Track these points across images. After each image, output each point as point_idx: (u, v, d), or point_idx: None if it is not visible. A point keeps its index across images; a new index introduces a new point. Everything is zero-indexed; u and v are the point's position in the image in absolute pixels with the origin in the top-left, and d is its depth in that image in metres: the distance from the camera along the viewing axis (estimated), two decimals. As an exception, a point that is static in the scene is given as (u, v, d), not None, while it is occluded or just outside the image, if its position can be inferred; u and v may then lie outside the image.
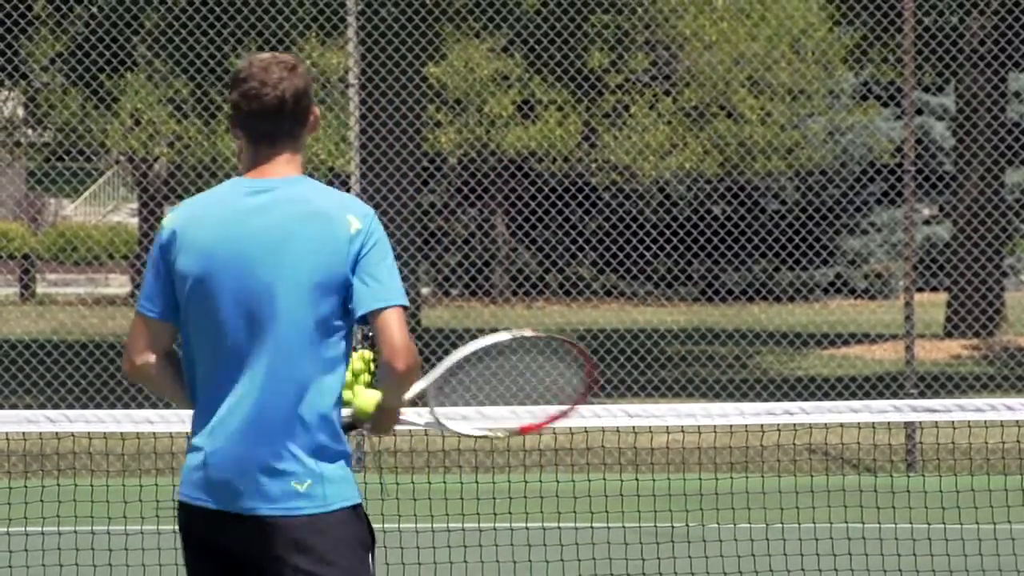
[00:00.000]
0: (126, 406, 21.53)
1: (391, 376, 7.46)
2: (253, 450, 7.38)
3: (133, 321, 7.53)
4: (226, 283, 7.41)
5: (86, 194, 55.63)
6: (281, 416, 7.37)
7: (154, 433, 19.30)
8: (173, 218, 7.48)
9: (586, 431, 16.85)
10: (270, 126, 7.48)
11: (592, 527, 14.50)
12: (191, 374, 7.50)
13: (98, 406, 21.93)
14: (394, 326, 7.42)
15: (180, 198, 46.02)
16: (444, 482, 17.04)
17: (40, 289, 44.81)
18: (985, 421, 17.63)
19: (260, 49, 31.14)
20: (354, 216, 7.44)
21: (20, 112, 42.08)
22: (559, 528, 13.29)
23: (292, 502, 7.31)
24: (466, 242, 45.54)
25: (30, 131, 43.53)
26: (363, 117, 21.87)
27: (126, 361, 7.52)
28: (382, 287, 7.44)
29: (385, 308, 7.41)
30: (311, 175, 15.89)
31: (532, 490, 12.63)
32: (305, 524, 7.33)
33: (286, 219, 7.44)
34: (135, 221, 48.11)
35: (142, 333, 7.51)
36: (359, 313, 7.42)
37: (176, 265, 7.43)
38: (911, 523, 16.68)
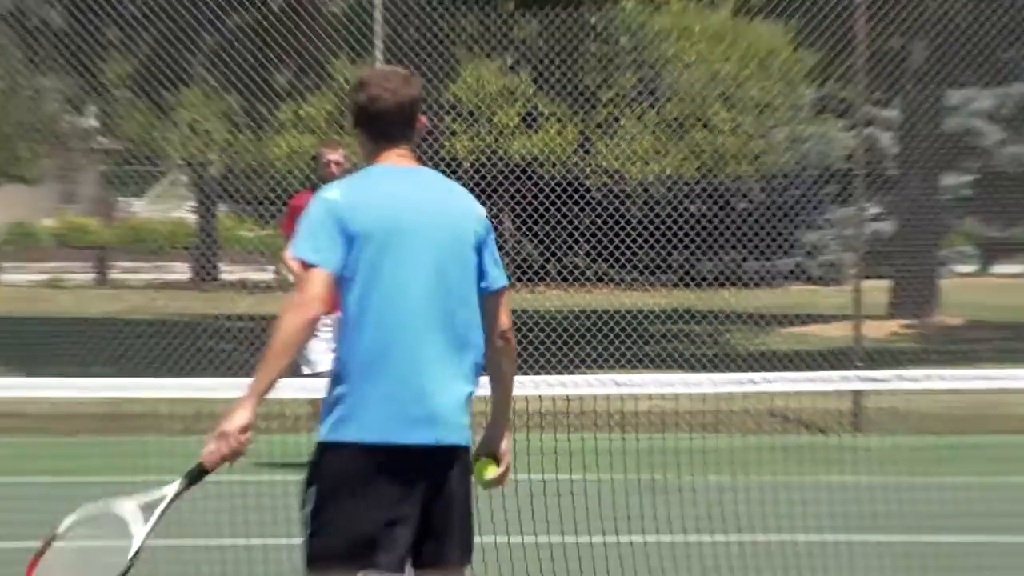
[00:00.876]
0: (188, 375, 21.63)
1: (510, 344, 7.74)
2: None
3: (308, 276, 7.30)
4: (412, 243, 7.45)
5: (151, 194, 55.60)
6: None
7: (212, 399, 19.50)
8: (340, 193, 7.48)
9: (580, 398, 16.94)
10: (389, 126, 7.62)
11: (585, 479, 14.63)
12: (359, 326, 7.45)
13: (163, 375, 22.06)
14: (507, 304, 7.71)
15: (231, 198, 45.94)
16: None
17: (112, 275, 44.82)
18: (921, 389, 17.86)
19: (300, 68, 31.26)
20: (477, 204, 7.75)
21: (95, 123, 42.14)
22: (556, 479, 13.41)
23: None
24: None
25: (103, 139, 43.60)
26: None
27: (305, 312, 7.28)
28: (501, 270, 7.67)
29: (506, 287, 7.69)
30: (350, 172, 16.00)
31: (534, 448, 12.71)
32: None
33: (440, 194, 7.67)
34: (193, 216, 48.00)
35: (326, 285, 7.33)
36: (494, 288, 7.60)
37: (355, 228, 7.40)
38: (857, 476, 16.83)
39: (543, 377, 11.21)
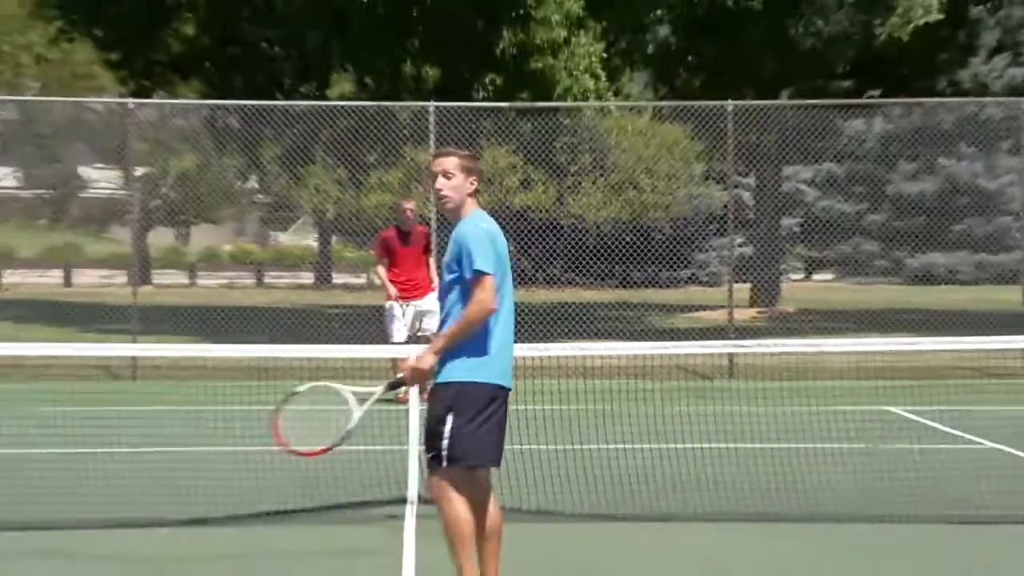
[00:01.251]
0: (310, 343, 21.48)
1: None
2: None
3: (490, 283, 7.32)
4: (504, 257, 7.53)
5: (290, 230, 55.42)
6: None
7: (327, 357, 19.27)
8: (487, 227, 7.54)
9: (558, 358, 16.85)
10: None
11: (560, 408, 14.40)
12: (498, 310, 7.44)
13: (296, 343, 21.81)
14: None
15: (340, 231, 45.93)
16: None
17: (266, 280, 44.69)
18: (770, 352, 17.55)
19: (382, 151, 31.11)
20: None
21: (256, 185, 41.99)
22: (543, 409, 13.16)
23: None
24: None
25: (261, 196, 43.40)
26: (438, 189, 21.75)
27: (490, 305, 7.32)
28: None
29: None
30: (417, 217, 15.36)
31: (532, 388, 12.48)
32: None
33: None
34: (316, 244, 47.78)
35: (496, 290, 7.39)
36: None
37: (497, 248, 7.46)
38: (732, 407, 16.61)
39: (534, 345, 10.97)
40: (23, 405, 15.31)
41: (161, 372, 21.19)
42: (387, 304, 18.21)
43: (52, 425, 13.14)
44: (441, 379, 7.46)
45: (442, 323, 7.56)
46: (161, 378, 20.75)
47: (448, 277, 7.53)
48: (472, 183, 7.68)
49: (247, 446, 13.38)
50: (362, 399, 7.49)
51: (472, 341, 7.39)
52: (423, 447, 7.56)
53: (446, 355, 7.43)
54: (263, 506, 10.88)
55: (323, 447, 7.60)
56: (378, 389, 7.54)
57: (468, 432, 7.35)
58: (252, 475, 11.62)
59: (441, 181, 7.70)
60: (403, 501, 10.68)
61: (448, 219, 7.85)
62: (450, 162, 7.69)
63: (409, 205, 18.15)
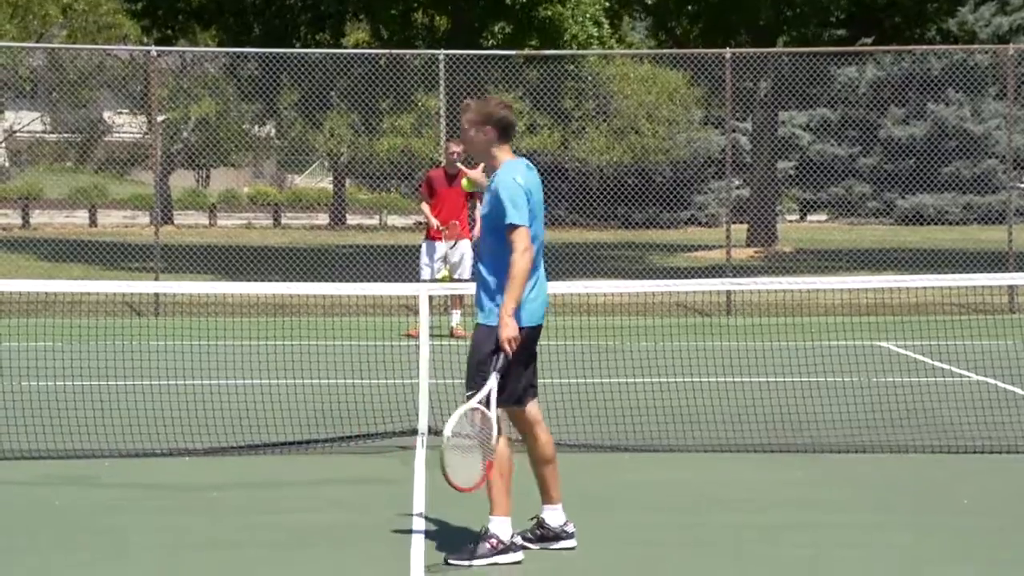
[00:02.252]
0: (325, 280, 21.48)
1: None
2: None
3: (525, 234, 7.37)
4: (537, 210, 7.55)
5: (306, 173, 55.34)
6: None
7: (342, 295, 19.24)
8: (522, 179, 7.50)
9: (562, 296, 16.86)
10: (510, 130, 7.67)
11: (565, 344, 14.38)
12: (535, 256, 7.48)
13: (311, 280, 21.78)
14: None
15: (354, 175, 45.84)
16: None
17: (283, 221, 44.60)
18: (767, 289, 17.54)
19: (395, 98, 30.96)
20: None
21: (273, 131, 41.89)
22: (549, 345, 13.17)
23: None
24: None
25: (278, 141, 43.30)
26: (447, 131, 21.64)
27: (529, 255, 7.36)
28: None
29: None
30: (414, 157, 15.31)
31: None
32: None
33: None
34: (330, 186, 47.71)
35: (533, 239, 7.49)
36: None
37: (533, 200, 7.53)
38: (729, 342, 16.59)
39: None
40: (53, 339, 15.29)
41: (182, 308, 21.18)
42: (424, 243, 18.14)
43: (79, 359, 13.12)
44: (487, 322, 7.47)
45: (480, 258, 7.63)
46: (182, 314, 20.74)
47: (485, 225, 7.58)
48: (486, 133, 7.59)
49: (264, 379, 13.37)
50: (488, 401, 7.39)
51: (531, 284, 7.48)
52: (483, 390, 7.41)
53: (488, 299, 7.48)
54: (279, 436, 10.88)
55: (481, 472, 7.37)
56: (491, 380, 7.39)
57: (515, 373, 7.44)
58: (269, 407, 11.62)
59: (461, 136, 7.77)
60: (414, 432, 10.67)
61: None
62: (464, 118, 7.70)
63: (457, 148, 17.86)
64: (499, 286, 7.41)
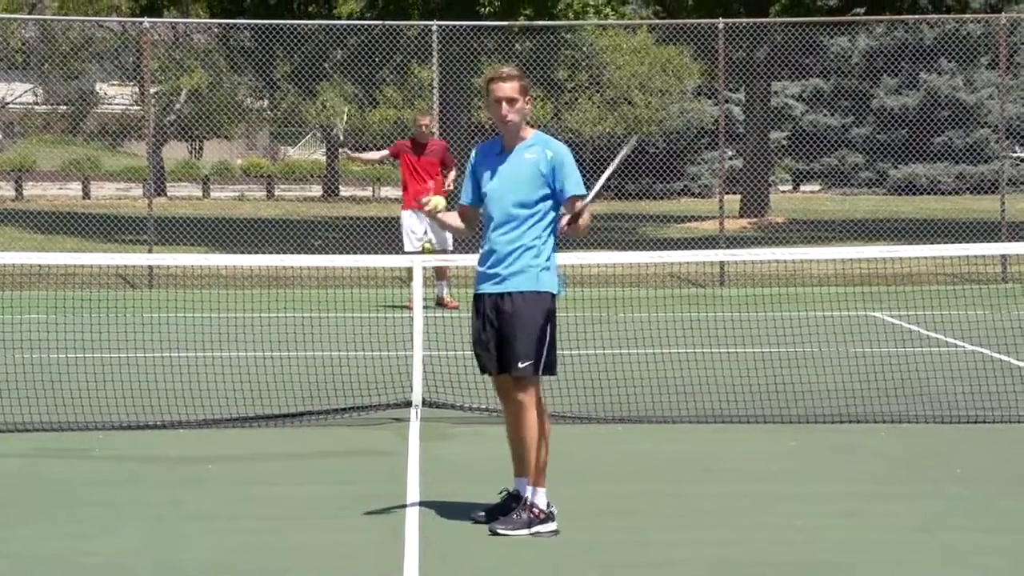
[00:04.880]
0: (318, 252, 21.49)
1: None
2: None
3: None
4: None
5: (299, 145, 55.23)
6: None
7: (335, 266, 19.20)
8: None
9: (566, 265, 16.76)
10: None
11: (563, 315, 14.36)
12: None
13: (305, 252, 21.77)
14: None
15: (347, 146, 45.74)
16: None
17: (276, 193, 44.50)
18: (759, 260, 17.52)
19: (391, 69, 30.87)
20: None
21: (267, 103, 41.77)
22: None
23: None
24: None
25: (271, 112, 43.19)
26: (441, 103, 21.57)
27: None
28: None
29: None
30: (407, 129, 15.29)
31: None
32: None
33: None
34: (324, 158, 47.63)
35: None
36: None
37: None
38: (722, 313, 16.57)
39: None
40: (47, 312, 15.25)
41: (175, 280, 21.15)
42: (402, 213, 18.08)
43: (72, 331, 13.09)
44: (532, 288, 7.37)
45: (510, 228, 7.44)
46: (176, 286, 20.70)
47: (540, 192, 7.47)
48: (528, 103, 7.59)
49: (258, 351, 13.34)
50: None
51: (552, 253, 7.47)
52: (519, 361, 7.33)
53: (532, 257, 7.40)
54: (273, 409, 10.86)
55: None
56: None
57: (553, 342, 7.46)
58: (262, 379, 11.58)
59: (506, 107, 7.48)
60: (408, 404, 10.66)
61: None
62: (508, 85, 7.49)
63: (425, 120, 18.29)
64: (543, 244, 7.40)
